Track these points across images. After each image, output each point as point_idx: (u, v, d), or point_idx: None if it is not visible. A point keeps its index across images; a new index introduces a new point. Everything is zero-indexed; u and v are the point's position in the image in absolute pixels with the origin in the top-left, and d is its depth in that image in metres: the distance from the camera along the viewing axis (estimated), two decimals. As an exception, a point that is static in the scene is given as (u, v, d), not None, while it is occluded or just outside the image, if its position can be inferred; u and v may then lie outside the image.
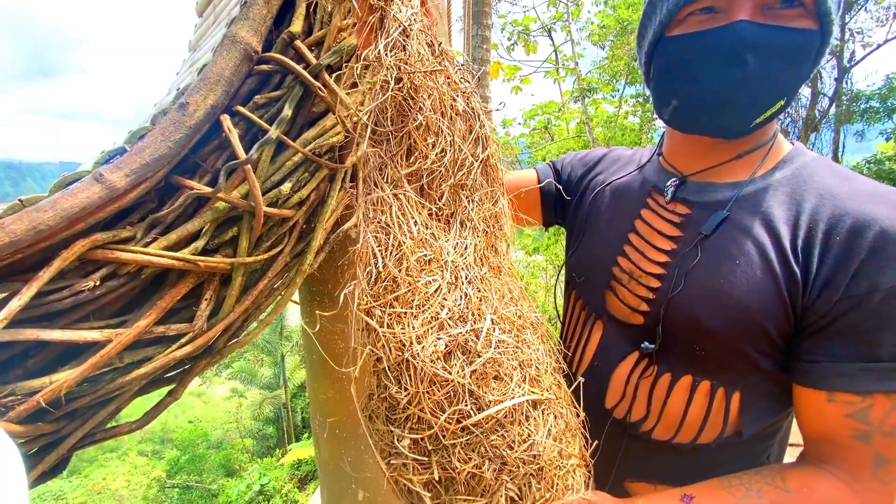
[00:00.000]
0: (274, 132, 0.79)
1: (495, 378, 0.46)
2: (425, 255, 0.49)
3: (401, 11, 0.55)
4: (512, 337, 0.48)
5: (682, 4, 0.51)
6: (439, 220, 0.54)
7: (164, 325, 0.77)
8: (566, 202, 0.78)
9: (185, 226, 0.77)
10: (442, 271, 0.49)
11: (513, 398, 0.44)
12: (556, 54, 11.10)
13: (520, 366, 0.47)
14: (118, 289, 0.73)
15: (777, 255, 0.49)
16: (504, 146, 11.35)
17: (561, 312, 0.77)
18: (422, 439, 0.47)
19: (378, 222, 0.53)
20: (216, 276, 0.83)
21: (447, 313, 0.47)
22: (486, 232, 0.56)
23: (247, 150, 0.78)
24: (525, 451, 0.44)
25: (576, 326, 0.70)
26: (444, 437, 0.45)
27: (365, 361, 0.53)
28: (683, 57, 0.52)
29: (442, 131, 0.51)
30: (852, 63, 7.80)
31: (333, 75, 0.85)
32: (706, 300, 0.52)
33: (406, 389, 0.48)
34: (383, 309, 0.50)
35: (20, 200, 0.68)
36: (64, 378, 0.68)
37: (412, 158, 0.52)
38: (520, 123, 11.51)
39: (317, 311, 1.26)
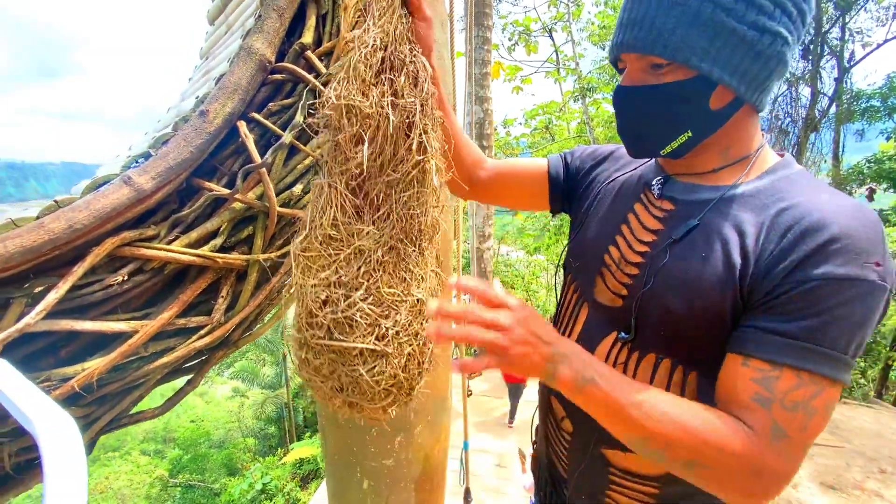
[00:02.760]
0: (287, 137, 0.85)
1: (349, 326, 0.66)
2: (333, 235, 0.66)
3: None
4: (377, 309, 0.66)
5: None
6: (369, 208, 0.67)
7: (185, 318, 0.83)
8: (573, 192, 0.84)
9: (205, 225, 0.83)
10: (343, 249, 0.66)
11: (354, 343, 0.65)
12: (557, 54, 11.15)
13: (372, 325, 0.66)
14: (144, 283, 0.79)
15: (739, 251, 0.55)
16: (505, 146, 11.40)
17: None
18: (305, 354, 0.70)
19: (315, 200, 0.69)
20: (233, 272, 0.88)
21: (335, 277, 0.66)
22: (406, 226, 0.69)
23: (261, 155, 0.84)
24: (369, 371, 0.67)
25: (567, 308, 0.76)
26: (315, 354, 0.68)
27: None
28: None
29: (375, 140, 0.63)
30: (852, 63, 7.84)
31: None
32: (674, 290, 0.58)
33: (299, 317, 0.70)
34: (300, 260, 0.69)
35: (55, 201, 0.74)
36: (95, 366, 0.74)
37: (346, 162, 0.66)
38: (521, 123, 11.57)
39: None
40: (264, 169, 0.83)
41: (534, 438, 0.90)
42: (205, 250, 0.82)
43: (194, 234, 0.82)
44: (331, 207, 0.66)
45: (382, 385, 0.68)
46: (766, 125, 8.50)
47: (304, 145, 0.91)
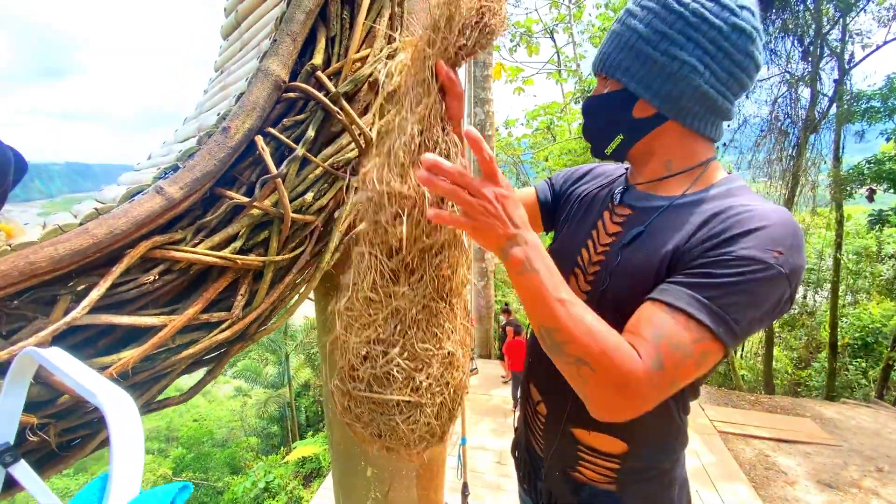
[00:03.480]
0: (300, 150, 0.94)
1: (387, 380, 0.72)
2: (373, 297, 0.73)
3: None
4: (412, 364, 0.72)
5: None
6: (405, 271, 0.72)
7: (208, 313, 0.92)
8: (558, 210, 0.94)
9: (226, 229, 0.92)
10: (382, 310, 0.72)
11: (391, 396, 0.72)
12: (559, 56, 11.23)
13: (407, 378, 0.72)
14: (172, 282, 0.88)
15: (676, 245, 0.65)
16: (507, 146, 11.48)
17: None
18: (347, 403, 0.77)
19: (357, 265, 0.76)
20: (250, 272, 0.97)
21: (375, 335, 0.73)
22: (438, 286, 0.73)
23: (277, 166, 0.93)
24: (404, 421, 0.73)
25: None
26: (356, 403, 0.75)
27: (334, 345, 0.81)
28: None
29: (412, 216, 0.69)
30: (852, 64, 7.89)
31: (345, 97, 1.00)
32: (624, 285, 0.69)
33: (342, 369, 0.77)
34: (343, 317, 0.76)
35: (96, 209, 0.83)
36: (129, 356, 0.82)
37: (385, 234, 0.72)
38: (522, 124, 11.66)
39: (331, 305, 1.40)
40: (279, 179, 0.92)
41: (515, 425, 1.00)
42: (226, 252, 0.91)
43: (216, 238, 0.91)
44: (371, 273, 0.72)
45: (417, 433, 0.73)
46: (766, 126, 8.57)
47: (315, 157, 0.99)
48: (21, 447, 0.72)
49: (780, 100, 8.32)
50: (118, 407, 0.51)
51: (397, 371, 0.71)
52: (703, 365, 0.58)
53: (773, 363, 9.85)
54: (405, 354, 0.72)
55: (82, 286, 0.80)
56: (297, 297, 1.13)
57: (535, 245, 0.59)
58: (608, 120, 0.74)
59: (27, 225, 0.95)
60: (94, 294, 0.77)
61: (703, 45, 0.64)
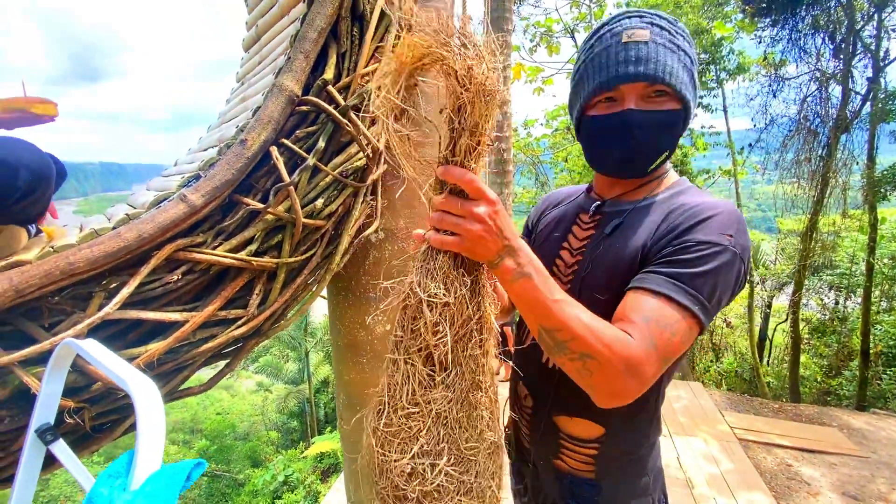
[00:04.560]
0: (311, 160, 1.00)
1: (437, 493, 0.67)
2: (412, 411, 0.68)
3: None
4: (459, 467, 0.68)
5: (591, 96, 0.76)
6: (439, 370, 0.68)
7: (226, 310, 0.99)
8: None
9: (242, 233, 0.99)
10: (423, 419, 0.67)
11: None
12: (579, 56, 11.10)
13: (458, 484, 0.68)
14: (193, 281, 0.96)
15: (642, 241, 0.73)
16: (526, 146, 11.45)
17: None
18: None
19: (391, 376, 0.71)
20: (264, 272, 1.04)
21: (419, 448, 0.67)
22: (474, 375, 0.70)
23: (290, 175, 1.00)
24: None
25: None
26: None
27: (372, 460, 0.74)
28: (597, 131, 0.77)
29: (445, 319, 0.66)
30: (887, 61, 7.60)
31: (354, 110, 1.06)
32: (603, 264, 0.76)
33: (384, 489, 0.70)
34: (379, 434, 0.71)
35: (127, 214, 0.92)
36: (155, 348, 0.90)
37: (423, 342, 0.68)
38: (542, 124, 11.59)
39: (342, 305, 1.47)
40: (292, 187, 0.99)
41: (506, 423, 1.05)
42: (242, 254, 0.99)
43: (234, 241, 0.98)
44: (408, 382, 0.68)
45: None
46: (794, 126, 8.31)
47: (326, 166, 1.06)
48: (60, 428, 0.81)
49: (809, 98, 8.07)
50: (145, 393, 0.58)
51: (447, 481, 0.66)
52: (686, 341, 0.65)
53: (802, 371, 9.55)
54: (452, 460, 0.67)
55: (114, 284, 0.88)
56: (308, 296, 1.20)
57: (525, 252, 0.63)
58: (666, 137, 0.74)
59: (65, 226, 1.04)
60: (125, 291, 0.86)
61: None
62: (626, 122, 0.73)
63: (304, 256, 1.09)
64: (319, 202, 1.07)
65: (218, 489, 13.21)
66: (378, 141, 1.11)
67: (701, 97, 8.83)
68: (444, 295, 0.64)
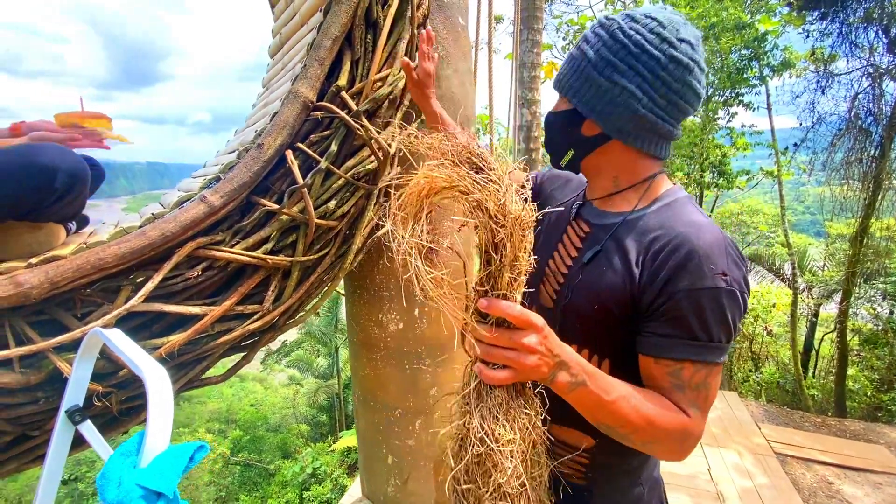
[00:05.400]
0: (324, 164, 1.04)
1: None
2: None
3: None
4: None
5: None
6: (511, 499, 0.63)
7: (243, 305, 1.05)
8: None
9: (259, 233, 1.04)
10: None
11: None
12: (613, 54, 10.85)
13: None
14: (212, 277, 1.02)
15: (625, 270, 0.70)
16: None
17: None
18: None
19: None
20: (279, 270, 1.09)
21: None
22: (538, 495, 0.67)
23: (304, 177, 1.04)
24: None
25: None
26: None
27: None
28: None
29: (515, 457, 0.62)
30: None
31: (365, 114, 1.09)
32: (585, 299, 0.74)
33: None
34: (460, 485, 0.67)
35: (153, 214, 0.98)
36: (176, 339, 0.97)
37: (488, 483, 0.63)
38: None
39: (357, 303, 1.51)
40: (305, 189, 1.03)
41: None
42: (258, 253, 1.04)
43: (251, 240, 1.03)
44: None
45: None
46: (843, 124, 7.83)
47: (339, 169, 1.10)
48: (89, 410, 0.87)
49: (860, 95, 7.59)
50: (156, 380, 0.63)
51: None
52: (718, 386, 0.68)
53: (850, 384, 9.00)
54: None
55: (141, 279, 0.95)
56: (322, 293, 1.25)
57: (575, 360, 0.62)
58: (562, 135, 0.81)
59: (128, 217, 1.13)
60: (149, 285, 0.92)
61: (642, 73, 0.70)
62: (544, 123, 0.85)
63: (317, 255, 1.14)
64: (332, 203, 1.11)
65: (250, 478, 13.68)
66: (390, 145, 1.14)
67: (741, 94, 8.44)
68: (510, 434, 0.62)
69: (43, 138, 0.98)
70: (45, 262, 0.85)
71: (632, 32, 0.70)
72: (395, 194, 0.60)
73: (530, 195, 0.58)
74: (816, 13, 7.30)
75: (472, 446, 0.63)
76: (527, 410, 0.65)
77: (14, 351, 0.80)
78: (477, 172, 0.56)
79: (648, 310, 0.68)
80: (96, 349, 0.81)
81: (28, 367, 0.84)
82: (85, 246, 0.91)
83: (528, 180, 0.70)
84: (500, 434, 0.62)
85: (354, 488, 3.91)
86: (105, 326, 0.86)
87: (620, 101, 0.71)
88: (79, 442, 0.82)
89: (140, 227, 0.95)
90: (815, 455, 4.38)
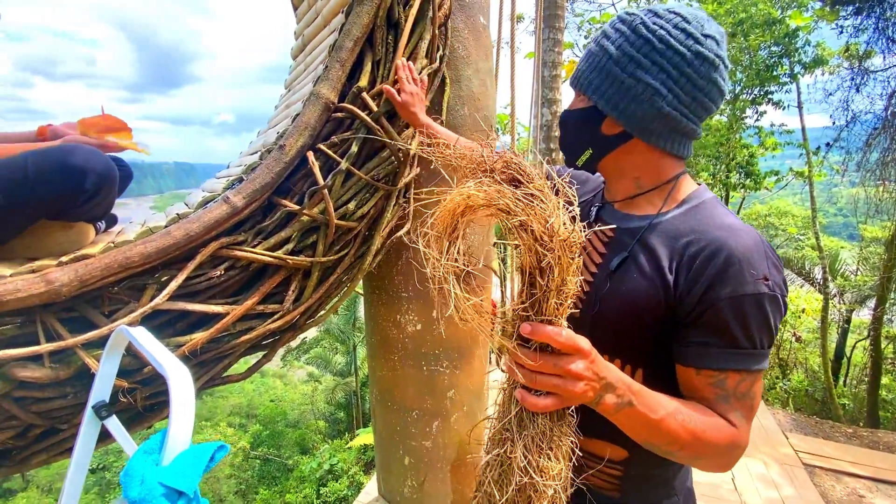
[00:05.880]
0: (344, 165, 1.05)
1: None
2: None
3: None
4: None
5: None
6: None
7: (263, 305, 1.06)
8: None
9: (280, 233, 1.05)
10: None
11: None
12: (636, 52, 10.66)
13: None
14: (234, 277, 1.03)
15: (660, 271, 0.67)
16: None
17: None
18: None
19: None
20: (300, 270, 1.10)
21: None
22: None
23: (324, 178, 1.05)
24: None
25: None
26: None
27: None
28: None
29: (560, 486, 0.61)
30: None
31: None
32: (615, 308, 0.71)
33: None
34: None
35: (178, 214, 1.00)
36: (199, 338, 0.98)
37: None
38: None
39: (376, 303, 1.51)
40: (326, 190, 1.04)
41: None
42: (279, 253, 1.05)
43: (272, 240, 1.04)
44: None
45: None
46: (879, 123, 7.51)
47: (359, 170, 1.10)
48: (114, 406, 0.90)
49: (900, 92, 7.26)
50: (180, 379, 0.63)
51: None
52: (761, 392, 0.67)
53: (884, 393, 8.64)
54: None
55: (165, 277, 0.97)
56: (341, 293, 1.25)
57: (621, 380, 0.60)
58: (579, 134, 0.78)
59: (154, 216, 1.15)
60: (173, 284, 0.94)
61: (667, 69, 0.67)
62: (559, 121, 0.82)
63: (337, 256, 1.14)
64: (352, 204, 1.11)
65: (269, 472, 13.93)
66: (410, 145, 1.14)
67: (771, 92, 8.18)
68: (556, 464, 0.60)
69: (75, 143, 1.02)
70: (74, 261, 0.87)
71: (656, 27, 0.67)
72: (428, 213, 0.55)
73: (577, 212, 0.54)
74: (851, 8, 7.02)
75: (515, 476, 0.60)
76: (568, 436, 0.63)
77: (44, 347, 0.83)
78: (516, 186, 0.52)
79: (687, 318, 0.65)
80: (122, 346, 0.83)
81: (57, 363, 0.86)
82: (112, 245, 0.93)
83: (573, 193, 0.61)
84: (545, 465, 0.59)
85: (371, 486, 3.93)
86: (131, 324, 0.88)
87: (644, 98, 0.69)
88: (105, 436, 0.84)
89: (165, 226, 0.97)
90: (846, 467, 4.21)
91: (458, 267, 0.54)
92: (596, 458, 0.78)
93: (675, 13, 0.68)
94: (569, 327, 0.57)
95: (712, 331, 0.63)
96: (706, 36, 0.67)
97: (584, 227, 0.53)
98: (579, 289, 0.77)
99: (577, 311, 0.78)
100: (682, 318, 0.65)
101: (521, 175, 0.53)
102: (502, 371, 0.62)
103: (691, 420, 0.62)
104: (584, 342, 0.56)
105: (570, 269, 0.53)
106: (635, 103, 0.70)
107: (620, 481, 0.78)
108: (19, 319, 0.85)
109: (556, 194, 0.54)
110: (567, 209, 0.53)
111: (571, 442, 0.63)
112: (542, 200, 0.51)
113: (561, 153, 0.94)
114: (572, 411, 0.65)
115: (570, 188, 0.56)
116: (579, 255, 0.54)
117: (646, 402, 0.61)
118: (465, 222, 0.55)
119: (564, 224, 0.51)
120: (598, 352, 0.74)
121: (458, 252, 0.54)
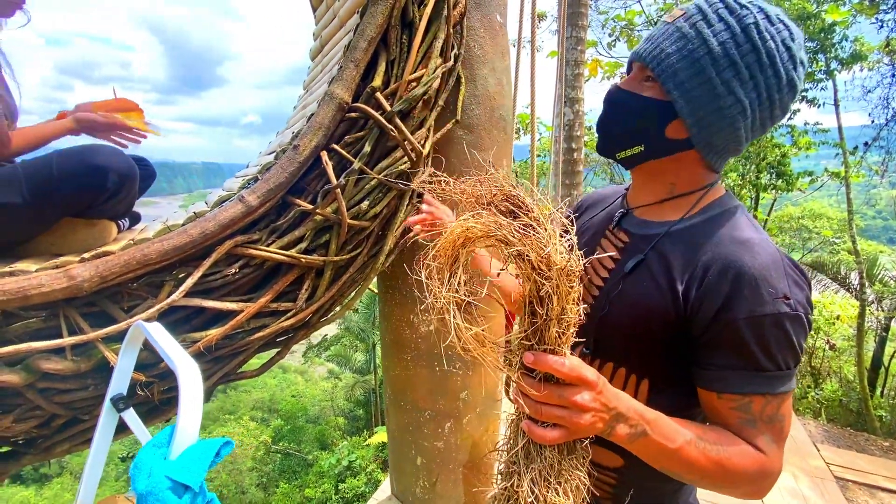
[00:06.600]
0: (357, 164, 1.05)
1: None
2: None
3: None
4: None
5: (627, 71, 0.72)
6: None
7: (277, 303, 1.07)
8: None
9: (293, 232, 1.06)
10: None
11: None
12: (662, 50, 10.40)
13: None
14: (249, 275, 1.04)
15: (671, 281, 0.64)
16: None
17: None
18: None
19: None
20: (313, 269, 1.11)
21: None
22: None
23: (337, 178, 1.05)
24: None
25: None
26: None
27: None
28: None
29: None
30: None
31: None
32: (625, 314, 0.68)
33: None
34: None
35: (195, 213, 1.02)
36: (214, 334, 1.00)
37: None
38: (618, 124, 10.98)
39: (390, 303, 1.52)
40: (339, 189, 1.04)
41: None
42: (293, 252, 1.06)
43: (286, 239, 1.06)
44: None
45: None
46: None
47: (372, 169, 1.10)
48: (132, 398, 0.92)
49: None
50: (189, 376, 0.65)
51: None
52: (791, 413, 0.63)
53: (924, 406, 8.19)
54: None
55: (182, 275, 0.99)
56: (354, 292, 1.26)
57: (633, 409, 0.58)
58: (636, 125, 0.68)
59: (175, 214, 1.19)
60: (189, 281, 0.96)
61: (760, 90, 0.61)
62: (607, 98, 0.71)
63: (349, 255, 1.15)
64: (365, 204, 1.11)
65: (289, 466, 14.18)
66: (424, 146, 1.14)
67: (805, 90, 7.87)
68: (564, 500, 0.58)
69: (86, 119, 1.09)
70: (96, 257, 0.90)
71: (767, 36, 0.60)
72: (429, 245, 0.56)
73: (575, 241, 0.53)
74: (892, 1, 6.70)
75: None
76: (579, 470, 0.60)
77: (67, 340, 0.86)
78: (514, 217, 0.52)
79: (703, 337, 0.61)
80: (139, 341, 0.85)
81: (79, 356, 0.89)
82: (132, 242, 0.96)
83: (570, 222, 0.59)
84: (552, 500, 0.58)
85: (387, 484, 3.96)
86: (148, 320, 0.90)
87: (729, 113, 0.62)
88: (123, 428, 0.86)
89: (183, 224, 0.99)
90: (881, 482, 4.01)
91: (459, 297, 0.54)
92: (592, 464, 0.76)
93: (784, 24, 0.61)
94: (574, 346, 0.55)
95: (732, 352, 0.60)
96: (801, 63, 0.61)
97: (582, 257, 0.53)
98: (591, 294, 0.74)
99: (587, 314, 0.76)
100: (698, 335, 0.62)
101: (519, 206, 0.53)
102: (510, 401, 0.60)
103: (714, 448, 0.59)
104: (590, 372, 0.53)
105: (569, 298, 0.53)
106: (718, 117, 0.62)
107: (614, 490, 0.75)
108: (44, 313, 0.88)
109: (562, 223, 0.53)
110: (565, 238, 0.52)
111: (584, 477, 0.61)
112: (537, 230, 0.51)
113: (586, 152, 0.86)
114: (586, 444, 0.62)
115: (568, 217, 0.54)
116: (579, 284, 0.53)
117: (661, 431, 0.58)
118: (465, 253, 0.55)
119: (561, 253, 0.51)
120: (604, 358, 0.71)
121: (458, 283, 0.54)
